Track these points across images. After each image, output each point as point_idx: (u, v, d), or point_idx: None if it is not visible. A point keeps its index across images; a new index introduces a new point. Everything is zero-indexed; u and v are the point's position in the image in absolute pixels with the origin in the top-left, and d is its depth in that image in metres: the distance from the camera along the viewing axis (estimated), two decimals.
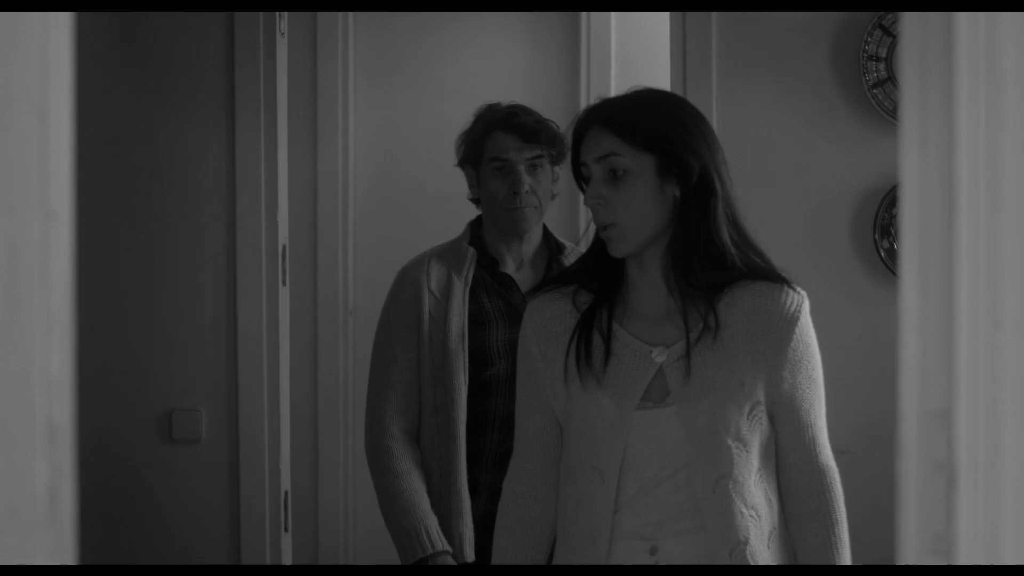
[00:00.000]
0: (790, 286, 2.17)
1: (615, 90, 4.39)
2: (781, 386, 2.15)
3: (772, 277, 2.17)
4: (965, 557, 0.99)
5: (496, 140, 2.94)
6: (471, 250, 2.99)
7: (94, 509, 3.36)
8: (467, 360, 2.88)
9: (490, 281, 2.96)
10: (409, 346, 2.91)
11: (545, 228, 3.04)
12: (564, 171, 2.90)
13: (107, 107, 3.39)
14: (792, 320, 2.15)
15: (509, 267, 2.99)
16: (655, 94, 2.24)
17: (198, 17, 3.38)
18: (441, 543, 2.80)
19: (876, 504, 3.05)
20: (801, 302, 2.17)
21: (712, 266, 2.14)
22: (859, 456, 3.15)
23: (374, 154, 4.49)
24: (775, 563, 2.17)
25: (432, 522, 2.83)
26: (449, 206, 4.48)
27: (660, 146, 2.12)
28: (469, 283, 2.94)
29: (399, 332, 2.93)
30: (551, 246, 3.03)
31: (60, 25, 0.95)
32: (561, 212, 4.23)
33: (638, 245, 2.15)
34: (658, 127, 2.14)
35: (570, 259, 2.96)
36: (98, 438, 3.38)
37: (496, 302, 2.95)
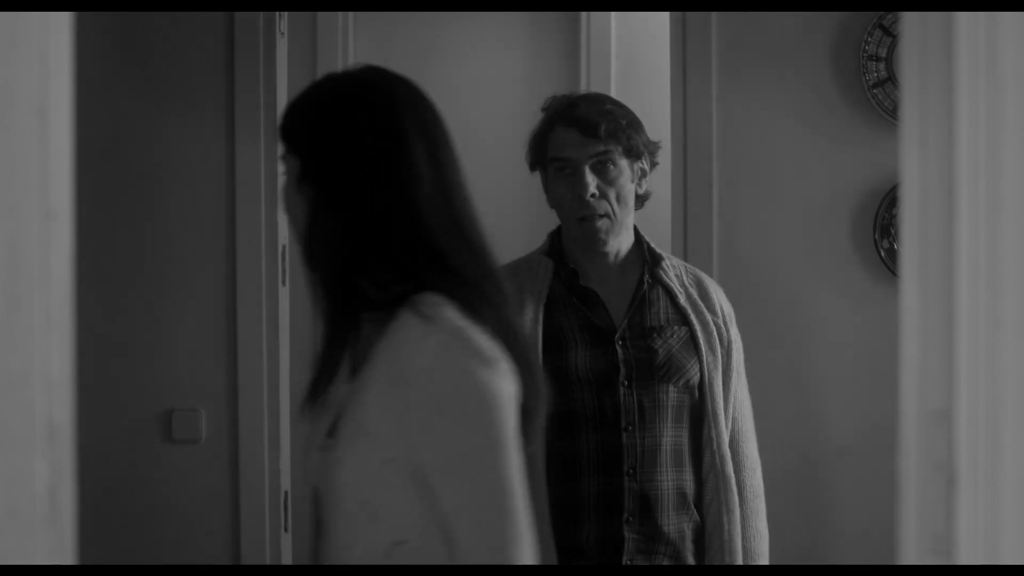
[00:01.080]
0: (431, 320, 1.63)
1: (615, 90, 4.39)
2: (411, 449, 1.63)
3: (418, 307, 1.65)
4: (965, 557, 0.99)
5: (557, 136, 2.51)
6: (547, 262, 2.56)
7: (94, 509, 3.36)
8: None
9: (570, 298, 2.53)
10: None
11: (638, 233, 2.60)
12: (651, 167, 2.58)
13: (107, 107, 3.39)
14: (417, 364, 1.61)
15: (592, 281, 2.54)
16: (322, 81, 1.83)
17: (198, 17, 3.37)
18: None
19: (876, 504, 3.06)
20: (441, 341, 1.62)
21: (365, 284, 1.70)
22: (859, 456, 3.15)
23: None
24: None
25: None
26: None
27: (293, 145, 1.76)
28: (543, 300, 2.51)
29: None
30: (645, 255, 2.57)
31: (60, 25, 0.95)
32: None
33: (310, 262, 1.75)
34: (292, 121, 1.77)
35: (669, 272, 2.57)
36: (98, 438, 3.38)
37: (576, 321, 2.50)
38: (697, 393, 2.52)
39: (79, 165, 1.03)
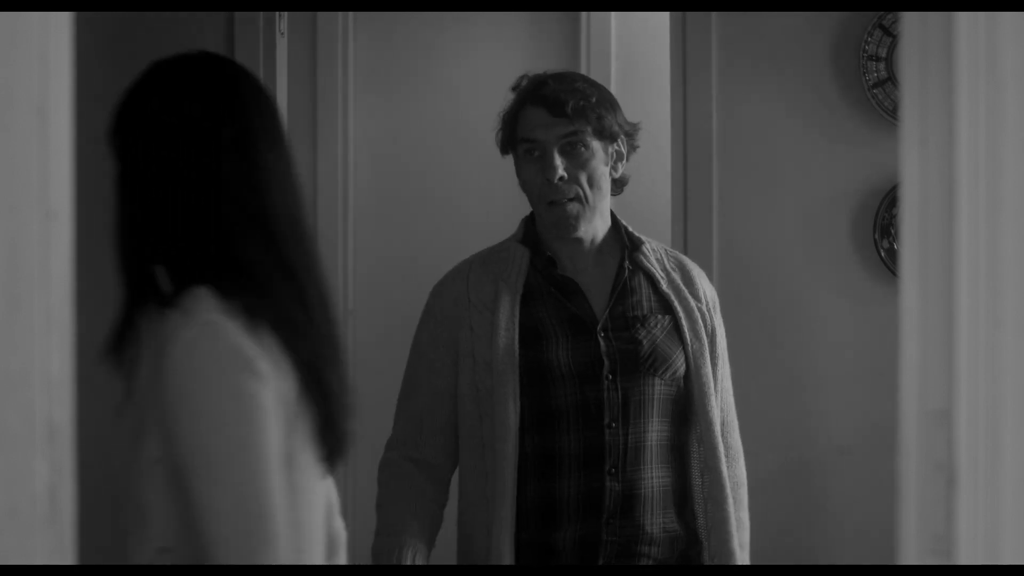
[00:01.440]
0: (188, 314, 1.56)
1: (615, 90, 4.39)
2: (170, 448, 1.56)
3: (183, 300, 1.59)
4: (965, 557, 0.99)
5: (526, 116, 2.40)
6: (522, 250, 2.44)
7: (94, 509, 3.36)
8: (518, 384, 2.34)
9: (548, 287, 2.42)
10: (441, 370, 2.41)
11: (615, 218, 2.48)
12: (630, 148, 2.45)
13: (107, 107, 3.38)
14: (169, 359, 1.54)
15: (568, 269, 2.43)
16: (143, 70, 1.78)
17: (198, 17, 3.37)
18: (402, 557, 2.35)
19: (876, 504, 3.06)
20: (191, 336, 1.54)
21: (159, 277, 1.65)
22: (859, 456, 3.15)
23: (374, 154, 4.49)
24: None
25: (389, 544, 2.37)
26: (450, 206, 4.48)
27: (107, 137, 1.75)
28: (520, 290, 2.40)
29: (428, 353, 2.43)
30: (623, 240, 2.46)
31: (60, 25, 0.95)
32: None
33: (115, 252, 1.72)
34: (113, 112, 1.76)
35: (651, 257, 2.46)
36: (98, 438, 3.38)
37: (556, 312, 2.39)
38: (683, 385, 2.41)
39: (79, 165, 1.03)
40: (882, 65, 3.14)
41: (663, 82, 3.48)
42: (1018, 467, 0.98)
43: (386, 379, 4.50)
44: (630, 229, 2.48)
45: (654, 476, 2.38)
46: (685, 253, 3.19)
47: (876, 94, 3.14)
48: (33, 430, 0.94)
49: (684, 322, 2.41)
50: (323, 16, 4.34)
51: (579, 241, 2.43)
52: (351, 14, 4.41)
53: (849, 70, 3.16)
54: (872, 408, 3.13)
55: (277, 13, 3.43)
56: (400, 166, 4.51)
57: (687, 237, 3.22)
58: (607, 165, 2.40)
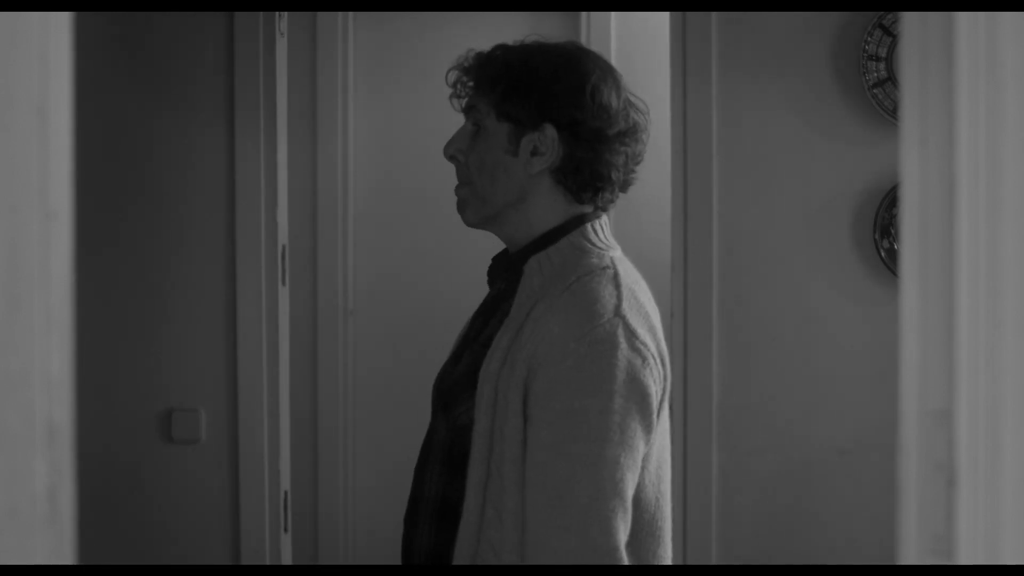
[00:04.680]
0: None
1: None
2: None
3: None
4: (965, 557, 0.99)
5: None
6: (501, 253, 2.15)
7: (94, 509, 3.36)
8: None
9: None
10: None
11: (569, 224, 2.01)
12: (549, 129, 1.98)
13: (107, 107, 3.39)
14: None
15: (497, 278, 2.10)
16: None
17: (197, 17, 3.37)
18: None
19: (876, 505, 3.06)
20: None
21: None
22: (859, 456, 3.15)
23: (374, 154, 4.49)
24: None
25: None
26: (450, 206, 4.48)
27: None
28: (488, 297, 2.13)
29: None
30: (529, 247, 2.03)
31: (60, 25, 0.95)
32: None
33: None
34: None
35: (532, 278, 1.98)
36: (98, 438, 3.38)
37: (467, 327, 2.12)
38: (466, 435, 1.93)
39: (79, 165, 1.03)
40: (882, 65, 3.14)
41: (663, 82, 3.48)
42: (1018, 467, 0.98)
43: (386, 379, 4.51)
44: (588, 236, 2.00)
45: (428, 536, 1.98)
46: (685, 254, 3.18)
47: (876, 94, 3.14)
48: (33, 430, 0.94)
49: (483, 367, 1.92)
50: (323, 16, 4.34)
51: (507, 245, 2.08)
52: (351, 14, 4.41)
53: (849, 70, 3.16)
54: (872, 408, 3.13)
55: (277, 13, 3.43)
56: (400, 166, 4.51)
57: (687, 237, 3.22)
58: (509, 153, 1.99)
